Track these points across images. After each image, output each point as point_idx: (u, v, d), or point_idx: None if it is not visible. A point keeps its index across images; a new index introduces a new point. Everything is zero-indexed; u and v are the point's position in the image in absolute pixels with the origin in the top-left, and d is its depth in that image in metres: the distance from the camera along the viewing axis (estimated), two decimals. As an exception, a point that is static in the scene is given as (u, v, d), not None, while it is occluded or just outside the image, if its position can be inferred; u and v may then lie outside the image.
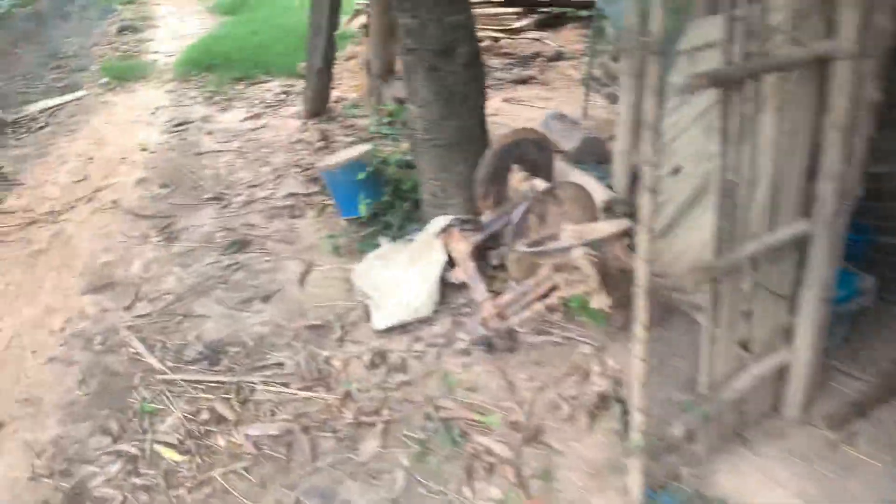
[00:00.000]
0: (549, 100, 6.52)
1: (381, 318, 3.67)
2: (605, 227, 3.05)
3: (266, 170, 5.61)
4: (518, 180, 3.95)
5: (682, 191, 3.41)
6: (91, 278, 4.09)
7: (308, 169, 5.55)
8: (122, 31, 11.36)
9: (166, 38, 10.56)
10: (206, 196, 5.16)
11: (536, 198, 3.50)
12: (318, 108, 6.58)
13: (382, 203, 4.47)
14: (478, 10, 8.04)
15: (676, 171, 3.47)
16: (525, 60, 7.67)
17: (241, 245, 4.48)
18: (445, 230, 4.02)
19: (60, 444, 2.85)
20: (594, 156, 4.77)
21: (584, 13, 8.53)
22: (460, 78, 3.96)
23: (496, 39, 8.08)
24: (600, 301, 3.13)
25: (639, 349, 2.35)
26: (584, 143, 4.72)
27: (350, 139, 6.12)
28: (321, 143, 6.01)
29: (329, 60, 6.06)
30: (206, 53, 8.63)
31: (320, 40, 5.75)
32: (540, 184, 3.89)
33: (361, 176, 4.35)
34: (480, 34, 8.17)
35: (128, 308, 3.81)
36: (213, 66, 8.27)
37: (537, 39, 8.17)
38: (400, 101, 6.10)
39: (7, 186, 5.49)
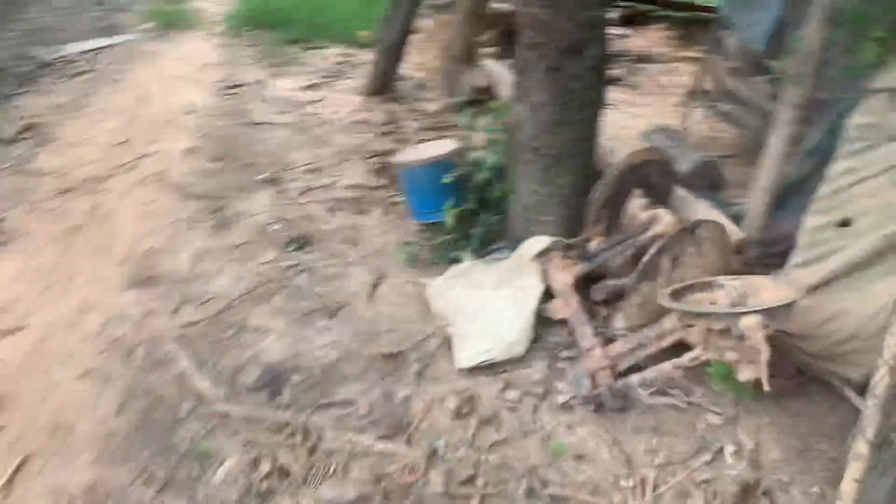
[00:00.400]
0: (639, 106, 5.89)
1: (467, 355, 3.15)
2: (778, 293, 2.49)
3: (326, 152, 5.05)
4: (638, 207, 3.39)
5: (852, 246, 2.85)
6: (134, 269, 3.58)
7: (374, 156, 4.98)
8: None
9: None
10: (260, 177, 4.61)
11: (675, 237, 2.93)
12: (384, 86, 5.99)
13: (465, 211, 3.91)
14: None
15: (845, 223, 2.90)
16: (612, 59, 7.00)
17: (302, 242, 3.95)
18: (544, 254, 3.47)
19: (94, 495, 2.34)
20: (708, 181, 4.18)
21: (672, 13, 7.86)
22: (584, 82, 3.38)
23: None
24: (752, 373, 2.58)
25: (857, 469, 1.82)
26: (698, 167, 4.12)
27: (417, 124, 5.55)
28: (388, 128, 5.43)
29: (405, 36, 5.45)
30: (260, 9, 8.00)
31: (400, 12, 5.15)
32: (665, 215, 3.33)
33: (448, 179, 3.78)
34: None
35: (175, 311, 3.30)
36: (268, 24, 7.66)
37: (620, 36, 7.47)
38: (479, 92, 5.50)
39: (41, 141, 4.96)
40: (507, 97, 5.55)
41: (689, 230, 2.98)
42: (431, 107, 5.94)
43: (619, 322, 3.26)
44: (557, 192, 3.68)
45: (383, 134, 5.37)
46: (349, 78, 6.59)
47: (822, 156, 3.58)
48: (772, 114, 4.42)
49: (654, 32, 7.73)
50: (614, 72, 6.65)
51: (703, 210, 3.51)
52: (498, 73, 5.56)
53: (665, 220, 3.30)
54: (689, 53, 7.20)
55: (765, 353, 2.32)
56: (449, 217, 3.77)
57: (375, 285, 3.66)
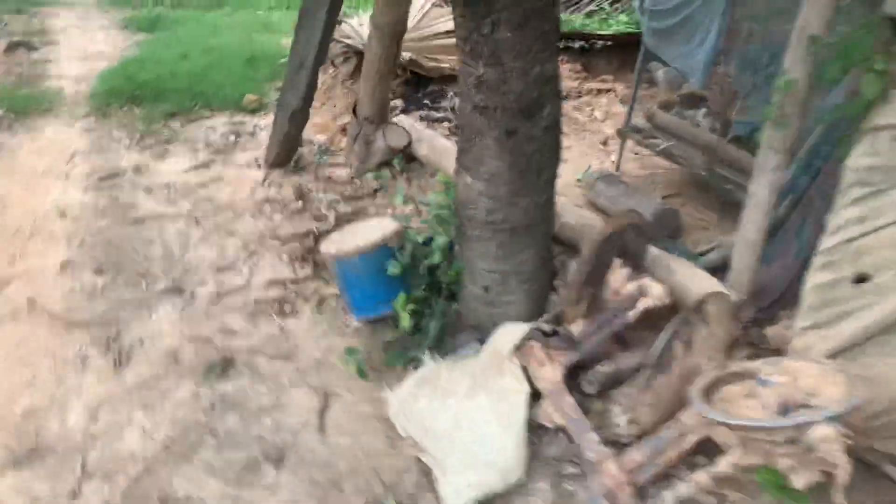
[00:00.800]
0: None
1: (454, 492, 2.58)
2: (836, 386, 2.11)
3: (233, 243, 4.35)
4: (621, 280, 2.97)
5: (874, 305, 2.53)
6: (9, 440, 2.76)
7: (290, 241, 4.34)
8: (12, 47, 9.42)
9: (72, 59, 8.85)
10: (159, 287, 3.86)
11: (684, 319, 2.52)
12: (286, 156, 5.37)
13: (415, 299, 3.35)
14: (433, 42, 7.04)
15: (862, 279, 2.58)
16: None
17: (223, 366, 3.25)
18: (521, 345, 2.98)
19: None
20: (667, 229, 3.86)
21: (570, 44, 7.70)
22: (541, 143, 2.98)
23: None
24: (810, 478, 2.18)
25: None
26: (658, 216, 3.79)
27: (331, 197, 4.96)
28: (299, 205, 4.81)
29: (309, 101, 4.88)
30: (129, 81, 7.16)
31: (303, 76, 4.58)
32: (652, 285, 2.93)
33: (395, 270, 3.23)
34: (443, 66, 7.17)
35: (74, 496, 2.52)
36: (139, 98, 6.84)
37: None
38: (394, 153, 5.01)
39: None
40: (426, 157, 5.10)
41: (695, 309, 2.57)
42: (342, 174, 5.37)
43: (620, 419, 2.80)
44: (518, 268, 3.24)
45: (295, 213, 4.74)
46: (243, 150, 5.90)
47: (798, 194, 3.33)
48: (715, 149, 4.22)
49: (555, 68, 7.52)
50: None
51: (684, 269, 3.14)
52: (418, 131, 5.09)
53: (654, 291, 2.90)
54: (597, 86, 7.05)
55: (844, 467, 1.90)
56: (402, 312, 3.20)
57: (323, 411, 3.03)
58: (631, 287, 2.96)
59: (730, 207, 4.31)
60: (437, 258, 3.26)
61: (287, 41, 9.12)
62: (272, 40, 9.25)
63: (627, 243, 3.02)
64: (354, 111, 5.03)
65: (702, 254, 3.75)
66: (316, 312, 3.72)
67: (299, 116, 4.98)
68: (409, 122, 5.28)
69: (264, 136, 6.14)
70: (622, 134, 4.70)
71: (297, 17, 4.45)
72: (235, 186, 5.17)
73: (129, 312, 3.62)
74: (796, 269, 3.31)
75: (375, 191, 5.09)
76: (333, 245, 3.50)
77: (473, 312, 3.40)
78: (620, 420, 2.82)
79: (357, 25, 6.86)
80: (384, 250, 3.40)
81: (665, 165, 4.92)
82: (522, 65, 2.78)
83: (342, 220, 4.63)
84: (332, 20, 4.33)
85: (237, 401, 3.05)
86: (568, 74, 7.23)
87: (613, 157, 5.18)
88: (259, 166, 5.53)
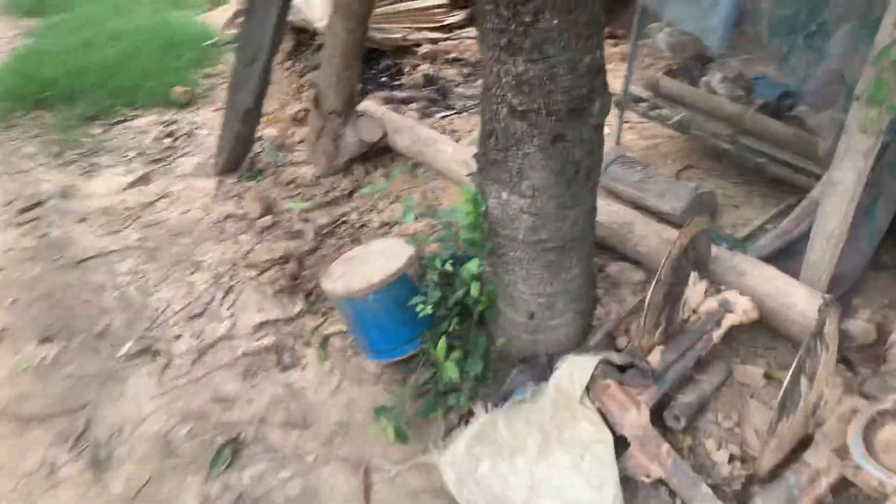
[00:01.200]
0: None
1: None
2: None
3: (201, 279, 3.69)
4: (699, 296, 2.55)
5: None
6: None
7: (269, 269, 3.72)
8: None
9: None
10: (125, 350, 3.19)
11: (807, 349, 2.11)
12: (238, 160, 4.66)
13: (447, 335, 2.83)
14: (380, 10, 6.33)
15: None
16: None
17: (231, 451, 2.67)
18: (591, 384, 2.54)
19: None
20: (703, 214, 3.45)
21: None
22: (589, 145, 2.48)
23: (435, 41, 6.40)
24: None
25: None
26: (694, 202, 3.37)
27: (301, 204, 4.32)
28: (268, 219, 4.15)
29: (262, 97, 4.17)
30: (29, 81, 6.11)
31: (256, 70, 3.86)
32: (737, 299, 2.52)
33: (427, 310, 2.69)
34: (415, 36, 6.51)
35: None
36: (47, 101, 5.86)
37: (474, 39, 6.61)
38: (366, 148, 4.38)
39: None
40: (407, 149, 4.48)
41: (815, 334, 2.17)
42: (306, 174, 4.71)
43: (717, 456, 2.43)
44: (566, 287, 2.78)
45: (265, 231, 4.09)
46: (185, 155, 5.13)
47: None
48: (742, 119, 3.81)
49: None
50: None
51: (756, 273, 2.74)
52: (392, 120, 4.47)
53: (741, 306, 2.50)
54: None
55: None
56: (446, 363, 2.68)
57: (367, 492, 2.51)
58: (712, 303, 2.54)
59: (754, 181, 3.96)
60: (474, 290, 2.72)
61: (205, 18, 8.20)
62: (187, 18, 8.23)
63: (699, 250, 2.59)
64: (316, 102, 4.35)
65: (744, 239, 3.38)
66: (321, 358, 3.15)
67: (253, 115, 4.28)
68: (379, 111, 4.64)
69: (205, 137, 5.38)
70: (620, 105, 4.23)
71: (247, 7, 3.70)
72: (186, 203, 4.44)
73: (96, 391, 2.96)
74: (869, 253, 2.99)
75: (351, 192, 4.48)
76: (339, 282, 2.91)
77: (514, 342, 2.92)
78: (719, 457, 2.44)
79: (294, -2, 6.05)
80: (403, 281, 2.87)
81: (666, 134, 4.49)
82: (571, 56, 2.25)
83: (322, 235, 4.03)
84: (288, 5, 3.62)
85: (259, 495, 2.49)
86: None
87: (607, 130, 4.72)
88: (208, 174, 4.79)
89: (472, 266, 2.75)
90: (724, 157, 4.04)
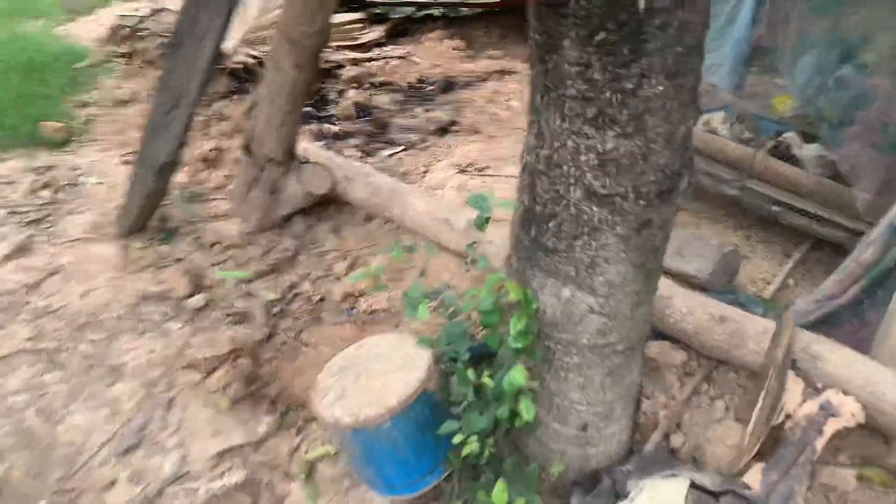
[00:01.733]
0: (504, 160, 4.53)
1: None
2: None
3: (128, 391, 2.86)
4: (797, 397, 2.15)
5: None
6: None
7: (215, 370, 2.96)
8: None
9: None
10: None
11: None
12: (147, 218, 3.80)
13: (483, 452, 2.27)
14: None
15: None
16: (416, 93, 5.43)
17: None
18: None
19: None
20: (727, 276, 3.11)
21: (447, 13, 6.59)
22: (667, 231, 2.01)
23: (357, 62, 5.69)
24: None
25: None
26: (719, 264, 3.00)
27: (238, 275, 3.55)
28: (198, 300, 3.36)
29: (181, 149, 3.34)
30: None
31: (177, 119, 3.04)
32: (841, 400, 2.15)
33: (456, 433, 2.11)
34: (336, 57, 5.76)
35: None
36: None
37: (402, 57, 5.94)
38: (310, 200, 3.68)
39: None
40: (364, 201, 3.80)
41: None
42: (232, 232, 3.92)
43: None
44: (626, 392, 2.32)
45: (198, 312, 3.30)
46: (72, 212, 4.14)
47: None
48: (752, 163, 3.49)
49: (436, 44, 6.34)
50: (437, 112, 5.15)
51: (836, 359, 2.39)
52: (342, 167, 3.77)
53: (847, 408, 2.12)
54: (488, 66, 6.05)
55: None
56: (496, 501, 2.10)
57: None
58: (812, 406, 2.15)
59: (746, 224, 3.69)
60: (526, 413, 2.15)
61: (67, 30, 6.98)
62: (45, 32, 6.94)
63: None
64: (248, 149, 3.59)
65: (772, 306, 3.06)
66: (312, 497, 2.47)
67: (170, 169, 3.45)
68: (323, 155, 3.94)
69: (95, 186, 4.41)
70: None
71: (172, 39, 2.89)
72: (86, 280, 3.52)
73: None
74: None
75: (294, 255, 3.76)
76: (340, 405, 2.25)
77: (559, 456, 2.41)
78: None
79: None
80: (424, 399, 2.28)
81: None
82: (669, 129, 1.77)
83: (273, 315, 3.31)
84: (219, 45, 2.86)
85: None
86: (452, 55, 6.13)
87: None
88: (107, 237, 3.87)
89: (519, 377, 2.19)
90: (715, 198, 3.74)
